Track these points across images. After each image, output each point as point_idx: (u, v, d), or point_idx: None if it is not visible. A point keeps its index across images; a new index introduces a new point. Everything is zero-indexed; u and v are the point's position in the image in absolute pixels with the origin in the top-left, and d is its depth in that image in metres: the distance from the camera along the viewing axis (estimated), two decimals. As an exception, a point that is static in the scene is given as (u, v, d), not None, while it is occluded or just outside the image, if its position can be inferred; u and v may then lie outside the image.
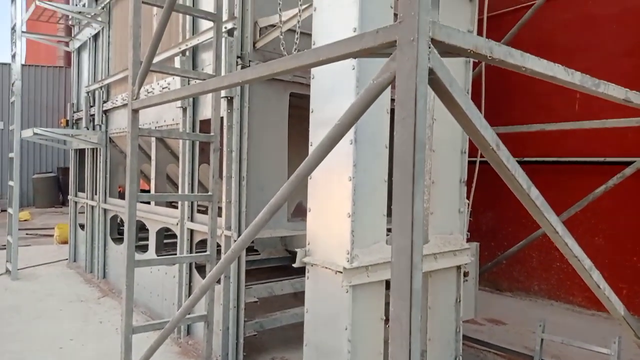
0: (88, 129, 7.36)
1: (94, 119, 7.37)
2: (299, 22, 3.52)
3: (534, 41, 6.24)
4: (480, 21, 3.90)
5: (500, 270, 6.84)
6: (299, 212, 6.06)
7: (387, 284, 2.87)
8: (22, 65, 7.77)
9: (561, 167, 6.18)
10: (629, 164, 5.21)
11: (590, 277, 2.04)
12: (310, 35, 3.13)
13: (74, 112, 8.27)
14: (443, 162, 3.41)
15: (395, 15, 2.82)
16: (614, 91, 2.28)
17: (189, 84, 4.54)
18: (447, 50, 1.54)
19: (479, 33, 3.65)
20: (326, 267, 2.86)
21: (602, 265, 3.71)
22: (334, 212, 2.87)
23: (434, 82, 1.48)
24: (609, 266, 5.56)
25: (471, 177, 4.13)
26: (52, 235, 10.83)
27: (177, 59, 4.80)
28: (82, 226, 8.12)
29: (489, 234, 6.98)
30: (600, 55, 5.75)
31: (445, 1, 3.27)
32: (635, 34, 5.52)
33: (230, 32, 4.12)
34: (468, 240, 3.67)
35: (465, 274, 3.60)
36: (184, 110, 4.79)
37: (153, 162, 5.63)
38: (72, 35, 8.42)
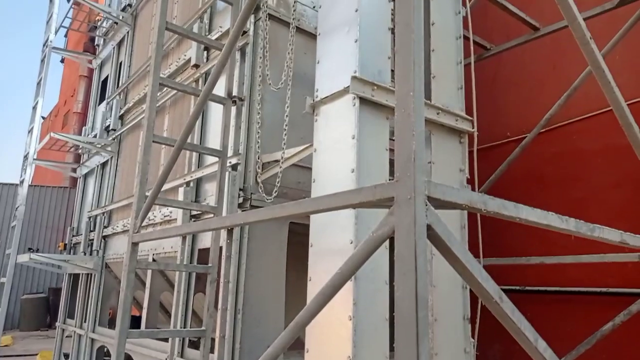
0: (85, 254, 7.32)
1: (91, 244, 7.37)
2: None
3: (525, 173, 6.51)
4: (470, 153, 4.11)
5: (513, 410, 6.31)
6: (297, 343, 5.77)
7: None
8: (28, 186, 7.99)
9: (563, 296, 6.04)
10: (630, 294, 5.11)
11: None
12: (310, 169, 3.27)
13: (73, 235, 8.30)
14: (445, 299, 3.34)
15: (392, 159, 2.98)
16: (610, 234, 2.32)
17: (191, 214, 4.63)
18: (442, 205, 1.60)
19: (470, 166, 3.83)
20: (325, 418, 2.63)
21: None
22: (334, 355, 2.73)
23: (433, 237, 1.51)
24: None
25: (475, 311, 4.01)
26: (32, 365, 10.15)
27: (180, 190, 4.95)
28: (66, 356, 7.66)
29: (498, 368, 6.56)
30: (590, 186, 5.95)
31: (436, 142, 3.48)
32: (620, 167, 5.78)
33: (234, 167, 4.30)
34: (476, 382, 3.44)
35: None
36: (184, 238, 4.81)
37: (147, 290, 5.49)
38: (81, 162, 8.79)
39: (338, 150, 3.02)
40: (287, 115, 3.49)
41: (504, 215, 1.76)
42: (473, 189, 4.16)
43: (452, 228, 3.43)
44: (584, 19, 4.46)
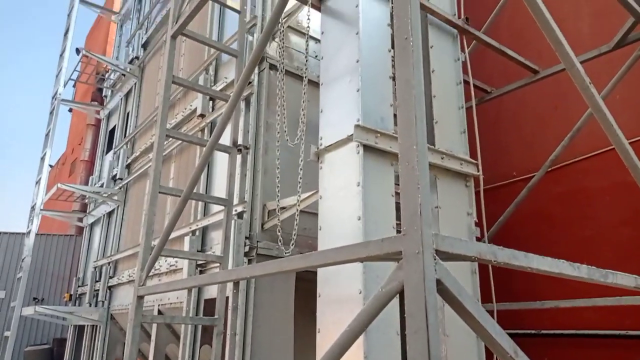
0: (90, 305, 7.23)
1: (97, 295, 7.29)
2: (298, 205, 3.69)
3: (533, 212, 6.45)
4: (477, 194, 4.08)
5: None
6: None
7: None
8: (35, 235, 7.99)
9: (579, 340, 5.84)
10: (652, 337, 4.94)
11: None
12: (316, 214, 3.25)
13: (79, 286, 8.22)
14: (459, 349, 3.24)
15: (397, 203, 2.96)
16: (624, 280, 2.27)
17: (197, 263, 4.59)
18: (451, 258, 1.57)
19: (477, 206, 3.80)
20: None
21: None
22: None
23: (443, 291, 1.48)
24: None
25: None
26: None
27: (186, 238, 4.93)
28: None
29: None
30: (599, 225, 5.88)
31: (442, 187, 3.47)
32: (628, 205, 5.72)
33: (240, 215, 4.30)
34: None
35: None
36: (189, 290, 4.74)
37: (152, 343, 5.38)
38: (87, 211, 8.83)
39: (343, 197, 3.02)
40: (301, 169, 3.51)
41: (515, 265, 1.73)
42: (482, 232, 4.12)
43: (462, 275, 3.38)
44: (582, 62, 4.54)
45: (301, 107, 3.99)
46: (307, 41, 3.79)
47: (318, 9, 3.79)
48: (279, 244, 3.66)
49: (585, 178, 6.32)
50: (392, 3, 3.58)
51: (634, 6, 3.51)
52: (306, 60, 3.79)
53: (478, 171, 3.60)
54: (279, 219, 3.83)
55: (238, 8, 4.68)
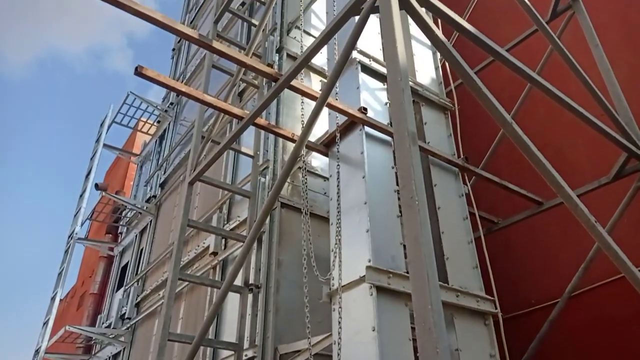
0: None
1: None
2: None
3: (557, 343, 6.10)
4: (496, 325, 3.89)
5: None
6: None
7: None
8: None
9: None
10: None
11: None
12: (330, 356, 3.11)
13: None
14: None
15: (416, 347, 2.85)
16: None
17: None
18: None
19: (498, 339, 3.59)
20: None
21: None
22: None
23: None
24: None
25: None
26: None
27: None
28: None
29: None
30: (632, 356, 5.51)
31: (460, 326, 3.35)
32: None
33: (250, 360, 4.12)
34: None
35: None
36: None
37: None
38: (92, 353, 8.49)
39: (359, 343, 2.92)
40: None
41: None
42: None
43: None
44: (583, 194, 4.67)
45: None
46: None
47: (326, 154, 4.06)
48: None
49: (609, 304, 6.08)
50: (394, 147, 3.82)
51: (625, 143, 3.72)
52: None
53: (496, 308, 3.51)
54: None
55: (252, 153, 5.01)
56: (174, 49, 11.44)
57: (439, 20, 3.65)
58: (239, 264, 3.39)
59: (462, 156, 4.35)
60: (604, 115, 4.13)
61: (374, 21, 4.28)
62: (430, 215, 3.82)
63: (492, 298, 3.56)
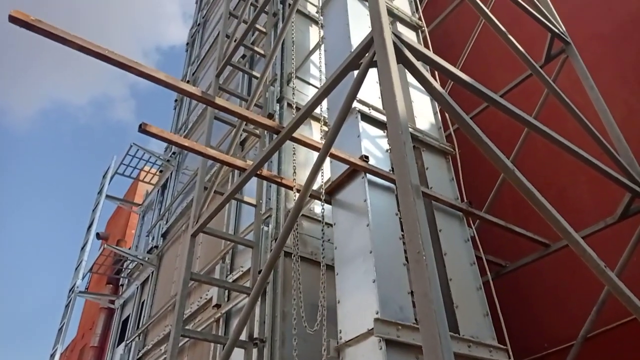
0: None
1: None
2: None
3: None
4: None
5: None
6: None
7: None
8: None
9: None
10: None
11: None
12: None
13: None
14: None
15: None
16: None
17: None
18: None
19: None
20: None
21: None
22: None
23: None
24: None
25: None
26: None
27: None
28: None
29: None
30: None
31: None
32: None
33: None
34: None
35: None
36: None
37: None
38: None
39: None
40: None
41: None
42: None
43: None
44: (589, 235, 4.62)
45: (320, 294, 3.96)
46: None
47: (329, 202, 4.05)
48: None
49: (625, 347, 5.89)
50: (396, 192, 3.82)
51: (628, 184, 3.71)
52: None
53: (510, 358, 3.40)
54: None
55: (254, 202, 5.00)
56: (176, 100, 11.67)
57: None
58: (244, 320, 3.32)
59: (465, 200, 4.33)
60: (604, 154, 4.15)
61: (372, 70, 4.38)
62: (437, 262, 3.77)
63: (505, 347, 3.45)
